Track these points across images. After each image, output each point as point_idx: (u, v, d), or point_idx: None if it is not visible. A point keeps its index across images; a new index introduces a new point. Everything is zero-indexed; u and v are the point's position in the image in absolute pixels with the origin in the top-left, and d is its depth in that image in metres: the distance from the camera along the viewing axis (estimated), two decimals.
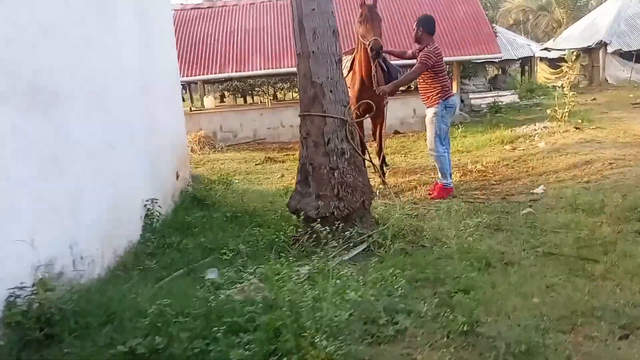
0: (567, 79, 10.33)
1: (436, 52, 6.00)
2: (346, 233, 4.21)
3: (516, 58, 24.66)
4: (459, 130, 11.26)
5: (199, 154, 11.36)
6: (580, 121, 10.22)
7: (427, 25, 6.11)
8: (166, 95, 5.77)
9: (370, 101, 5.72)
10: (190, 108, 14.67)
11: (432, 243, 4.23)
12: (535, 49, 23.68)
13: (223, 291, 3.08)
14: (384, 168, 8.15)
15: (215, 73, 12.81)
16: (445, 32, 12.92)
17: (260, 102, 24.42)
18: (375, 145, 7.03)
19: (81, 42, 3.68)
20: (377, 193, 6.39)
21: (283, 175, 8.41)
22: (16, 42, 2.84)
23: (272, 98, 26.69)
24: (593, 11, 29.32)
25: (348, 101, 4.51)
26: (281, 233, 4.63)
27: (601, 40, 23.36)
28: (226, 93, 25.17)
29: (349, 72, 6.99)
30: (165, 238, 4.47)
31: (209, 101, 16.80)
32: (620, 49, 22.98)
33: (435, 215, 5.16)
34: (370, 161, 4.88)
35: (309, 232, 4.36)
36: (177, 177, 5.75)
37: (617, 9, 24.80)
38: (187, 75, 12.68)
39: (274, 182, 8.05)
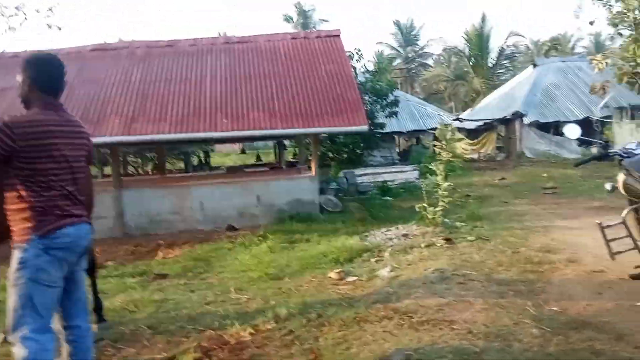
0: (438, 164, 7.24)
1: (20, 126, 2.58)
2: None
3: (425, 129, 22.40)
4: (263, 234, 7.97)
5: None
6: (458, 226, 7.11)
7: (33, 75, 2.74)
8: None
9: None
10: None
11: None
12: (447, 119, 21.41)
13: None
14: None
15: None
16: (300, 96, 9.85)
17: None
18: None
19: None
20: None
21: None
22: None
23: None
24: (510, 80, 28.04)
25: None
26: None
27: (517, 111, 21.44)
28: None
29: None
30: None
31: None
32: (537, 121, 21.06)
33: None
34: None
35: None
36: None
37: (533, 78, 23.26)
38: None
39: None
